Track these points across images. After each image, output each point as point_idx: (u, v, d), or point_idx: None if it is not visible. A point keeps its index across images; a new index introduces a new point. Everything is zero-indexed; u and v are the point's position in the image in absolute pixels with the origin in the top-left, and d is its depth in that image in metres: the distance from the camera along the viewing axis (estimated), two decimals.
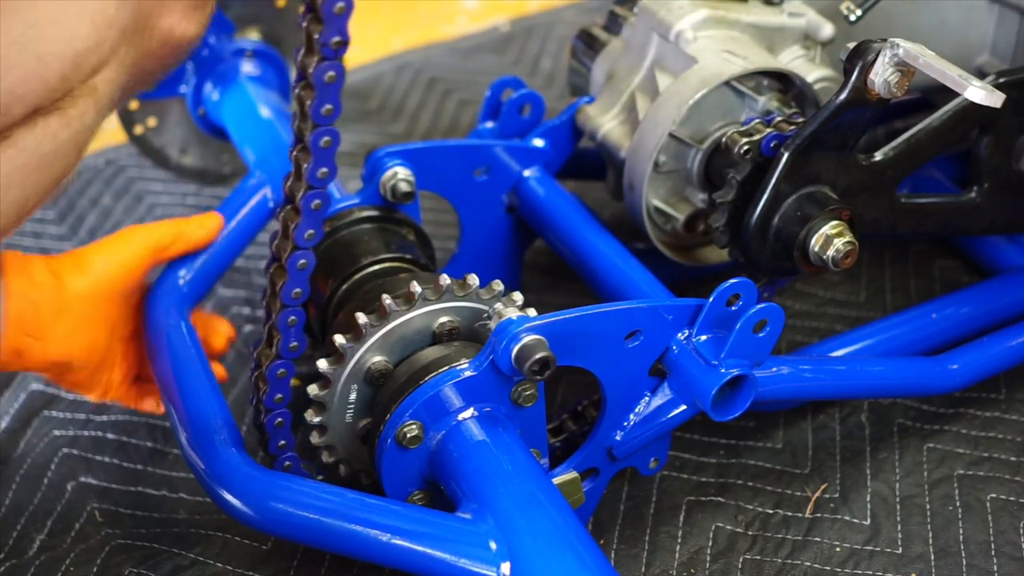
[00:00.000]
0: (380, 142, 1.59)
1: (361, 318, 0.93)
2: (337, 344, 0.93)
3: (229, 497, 0.92)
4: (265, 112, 1.34)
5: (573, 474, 1.00)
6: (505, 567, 0.83)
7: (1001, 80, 1.01)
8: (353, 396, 0.95)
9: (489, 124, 1.23)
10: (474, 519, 0.86)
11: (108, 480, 1.13)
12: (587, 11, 1.84)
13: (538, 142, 1.20)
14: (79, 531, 1.08)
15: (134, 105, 1.45)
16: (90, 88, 0.76)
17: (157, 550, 1.05)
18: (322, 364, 0.94)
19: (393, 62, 1.78)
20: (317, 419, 0.95)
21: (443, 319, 0.95)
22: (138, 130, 1.46)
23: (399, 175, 1.09)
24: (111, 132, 1.70)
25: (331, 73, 0.81)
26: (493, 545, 0.84)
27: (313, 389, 0.94)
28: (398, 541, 0.86)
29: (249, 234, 1.22)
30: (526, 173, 1.19)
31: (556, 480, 0.99)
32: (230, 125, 1.37)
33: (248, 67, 1.41)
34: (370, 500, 0.90)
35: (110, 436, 1.18)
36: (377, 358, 0.94)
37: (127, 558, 1.04)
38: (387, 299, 0.93)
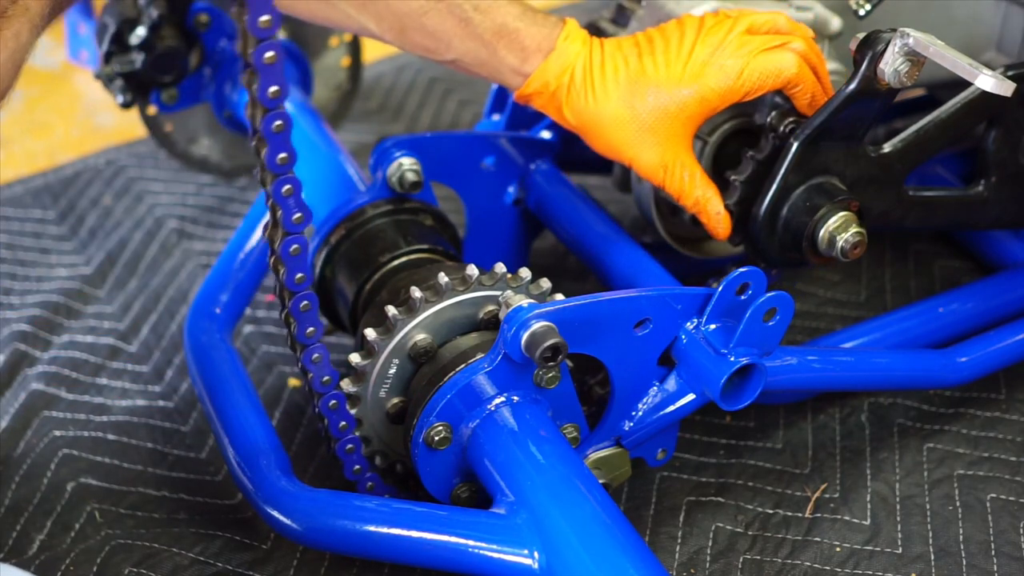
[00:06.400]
0: None
1: (416, 292, 0.93)
2: (389, 315, 0.93)
3: (277, 515, 0.95)
4: (286, 105, 1.34)
5: (619, 448, 1.00)
6: (542, 558, 0.84)
7: (1009, 73, 1.02)
8: (393, 371, 0.96)
9: (496, 117, 1.23)
10: (508, 514, 0.88)
11: (108, 480, 1.13)
12: (587, 11, 1.84)
13: (545, 134, 1.20)
14: (79, 531, 1.08)
15: (152, 111, 1.45)
16: (22, 8, 0.77)
17: (157, 550, 1.05)
18: (370, 333, 0.94)
19: (393, 62, 1.78)
20: (354, 389, 0.96)
21: (490, 307, 0.96)
22: (151, 111, 1.46)
23: (404, 165, 1.10)
24: (111, 132, 1.70)
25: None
26: (528, 538, 0.86)
27: (355, 358, 0.95)
28: (435, 542, 0.89)
29: None
30: (533, 165, 1.19)
31: (601, 454, 1.00)
32: None
33: None
34: (406, 507, 0.92)
35: (110, 436, 1.18)
36: (423, 336, 0.95)
37: (127, 558, 1.04)
38: (444, 277, 0.94)
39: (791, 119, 1.02)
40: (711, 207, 1.03)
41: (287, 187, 0.84)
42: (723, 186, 1.05)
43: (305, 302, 0.89)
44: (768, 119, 1.03)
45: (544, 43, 1.02)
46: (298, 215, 0.86)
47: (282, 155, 0.83)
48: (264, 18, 0.76)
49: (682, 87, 0.99)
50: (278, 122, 0.81)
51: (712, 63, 0.99)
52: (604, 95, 1.01)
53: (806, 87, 1.01)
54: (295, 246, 0.87)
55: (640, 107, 1.00)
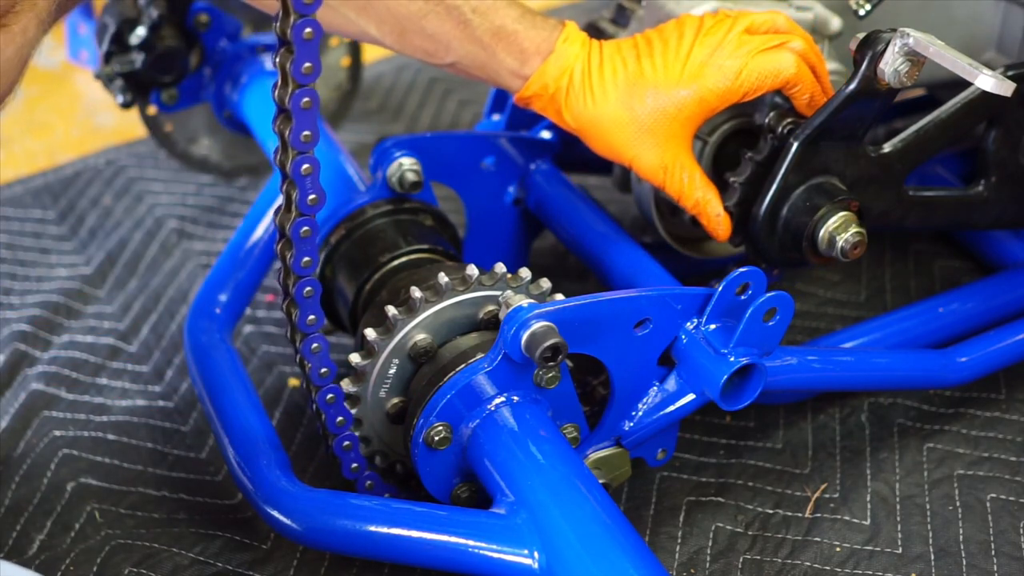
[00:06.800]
0: None
1: (416, 292, 0.94)
2: (389, 315, 0.93)
3: (278, 515, 0.95)
4: None
5: (619, 448, 1.00)
6: (542, 558, 0.84)
7: (1009, 73, 1.02)
8: (393, 371, 0.96)
9: (496, 117, 1.23)
10: (507, 514, 0.88)
11: (108, 480, 1.13)
12: (587, 11, 1.84)
13: (545, 134, 1.20)
14: (79, 531, 1.08)
15: (152, 111, 1.45)
16: (30, 3, 0.78)
17: (157, 550, 1.05)
18: (370, 333, 0.94)
19: (393, 62, 1.78)
20: (354, 389, 0.96)
21: (490, 307, 0.96)
22: (151, 111, 1.46)
23: (404, 165, 1.10)
24: (111, 132, 1.70)
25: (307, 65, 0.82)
26: (528, 538, 0.86)
27: (355, 358, 0.95)
28: (435, 542, 0.89)
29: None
30: (533, 165, 1.19)
31: (601, 454, 1.00)
32: (251, 121, 1.37)
33: (266, 63, 1.41)
34: (406, 507, 0.92)
35: (110, 437, 1.18)
36: (423, 336, 0.95)
37: (127, 558, 1.04)
38: (444, 277, 0.94)
39: (789, 120, 1.02)
40: (711, 209, 1.03)
41: (306, 166, 0.85)
42: (723, 187, 1.05)
43: (308, 288, 0.90)
44: (767, 120, 1.03)
45: (543, 45, 1.02)
46: (313, 196, 0.86)
47: (306, 132, 0.84)
48: None
49: (680, 88, 0.99)
50: (306, 99, 0.82)
51: (710, 64, 0.99)
52: (603, 97, 1.01)
53: (805, 87, 1.01)
54: (306, 228, 0.87)
55: (639, 108, 1.00)
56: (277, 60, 0.82)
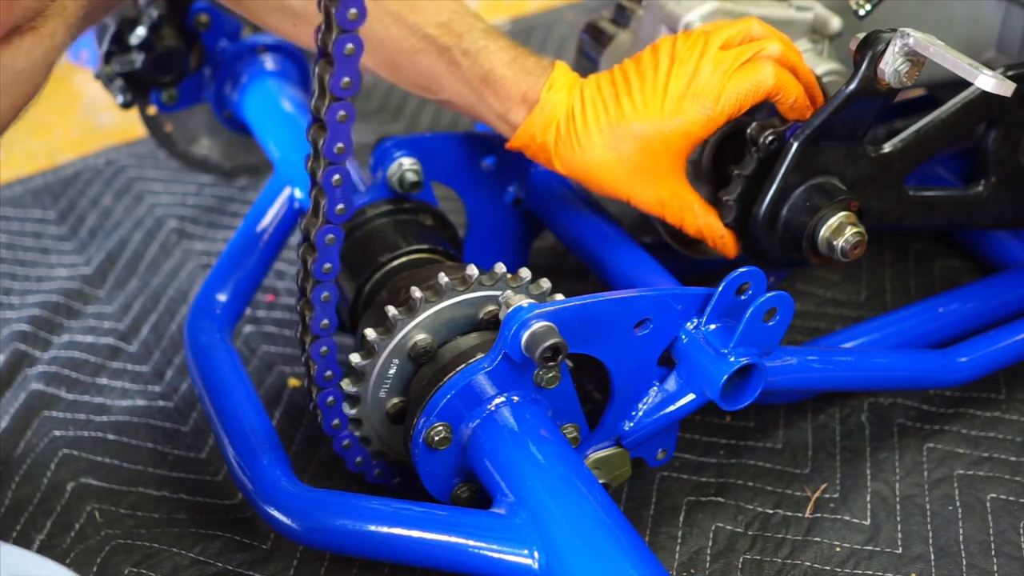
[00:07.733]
0: None
1: (416, 292, 0.94)
2: (389, 315, 0.93)
3: (277, 515, 0.95)
4: (286, 106, 1.35)
5: (619, 448, 1.01)
6: (542, 558, 0.85)
7: (1009, 73, 1.02)
8: (393, 371, 0.96)
9: None
10: (508, 514, 0.88)
11: (108, 480, 1.13)
12: (587, 11, 1.85)
13: None
14: (79, 531, 1.08)
15: (152, 111, 1.45)
16: (60, 7, 0.79)
17: (157, 550, 1.05)
18: (370, 333, 0.94)
19: None
20: (354, 389, 0.96)
21: (490, 307, 0.96)
22: (151, 111, 1.46)
23: (405, 165, 1.10)
24: (111, 132, 1.70)
25: (350, 45, 0.83)
26: (528, 538, 0.86)
27: (355, 358, 0.95)
28: (435, 542, 0.89)
29: (279, 240, 1.23)
30: (533, 165, 1.19)
31: (601, 454, 1.00)
32: (252, 122, 1.38)
33: (266, 63, 1.41)
34: (406, 507, 0.92)
35: (110, 436, 1.18)
36: (423, 336, 0.95)
37: (127, 558, 1.04)
38: (444, 277, 0.94)
39: (770, 131, 1.02)
40: (714, 233, 1.04)
41: (337, 176, 0.86)
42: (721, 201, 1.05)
43: (326, 293, 0.91)
44: (748, 132, 1.03)
45: (530, 93, 1.02)
46: (341, 206, 0.87)
47: (340, 144, 0.85)
48: (352, 11, 0.80)
49: (663, 125, 0.99)
50: (342, 113, 0.84)
51: (688, 96, 0.99)
52: (589, 143, 1.01)
53: (788, 92, 1.00)
54: (331, 235, 0.88)
55: (625, 150, 1.00)
56: (316, 71, 0.83)
